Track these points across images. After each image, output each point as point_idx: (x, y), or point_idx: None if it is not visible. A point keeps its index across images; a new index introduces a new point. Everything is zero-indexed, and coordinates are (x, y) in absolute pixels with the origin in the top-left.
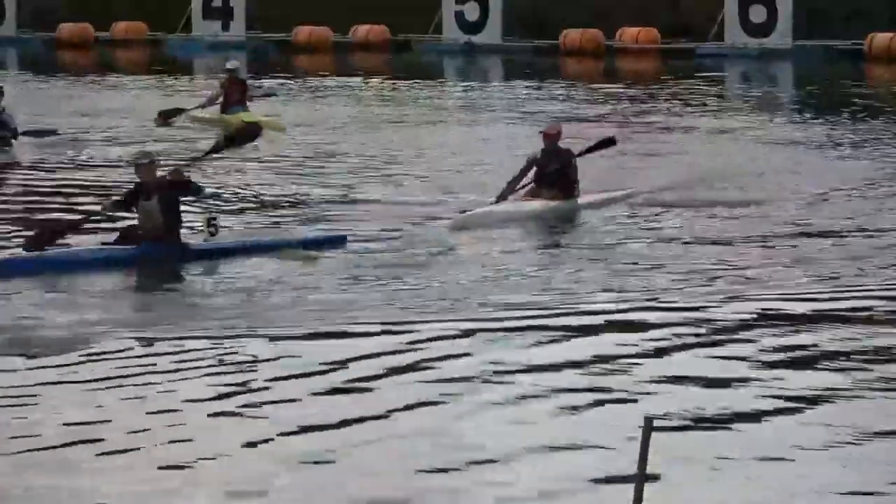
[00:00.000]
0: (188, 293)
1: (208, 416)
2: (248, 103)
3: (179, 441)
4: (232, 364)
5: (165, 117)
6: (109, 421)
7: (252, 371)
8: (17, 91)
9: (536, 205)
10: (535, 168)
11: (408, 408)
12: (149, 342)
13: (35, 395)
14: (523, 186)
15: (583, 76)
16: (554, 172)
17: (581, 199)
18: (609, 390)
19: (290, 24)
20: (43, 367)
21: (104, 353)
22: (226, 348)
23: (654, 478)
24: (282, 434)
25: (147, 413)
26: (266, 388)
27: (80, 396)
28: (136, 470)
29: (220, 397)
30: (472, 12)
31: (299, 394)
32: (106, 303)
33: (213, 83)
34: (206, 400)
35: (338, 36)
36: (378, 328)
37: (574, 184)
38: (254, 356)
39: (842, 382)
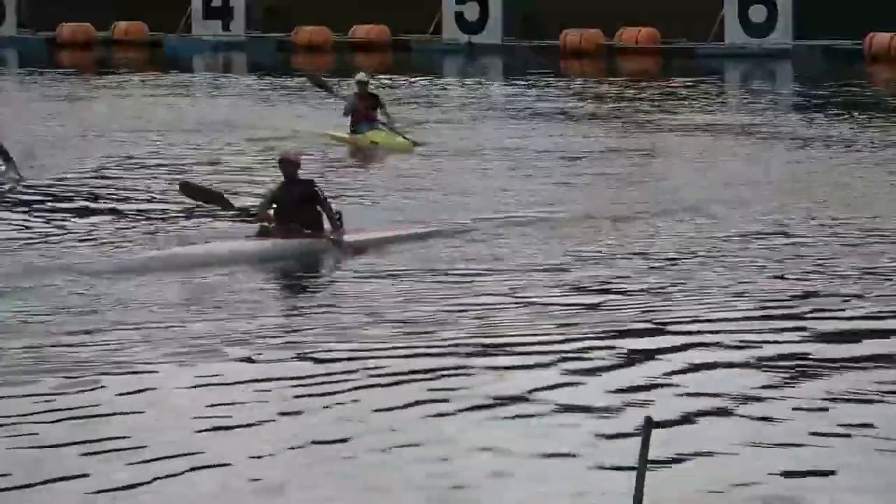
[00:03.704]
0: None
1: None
2: (378, 119)
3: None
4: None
5: (314, 82)
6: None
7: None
8: (16, 92)
9: (264, 244)
10: (273, 202)
11: (409, 411)
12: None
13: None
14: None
15: (583, 76)
16: (295, 206)
17: (336, 237)
18: (608, 390)
19: (291, 23)
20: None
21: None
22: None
23: (655, 478)
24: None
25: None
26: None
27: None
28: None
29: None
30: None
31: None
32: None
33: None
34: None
35: (338, 36)
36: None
37: (320, 220)
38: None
39: (843, 384)
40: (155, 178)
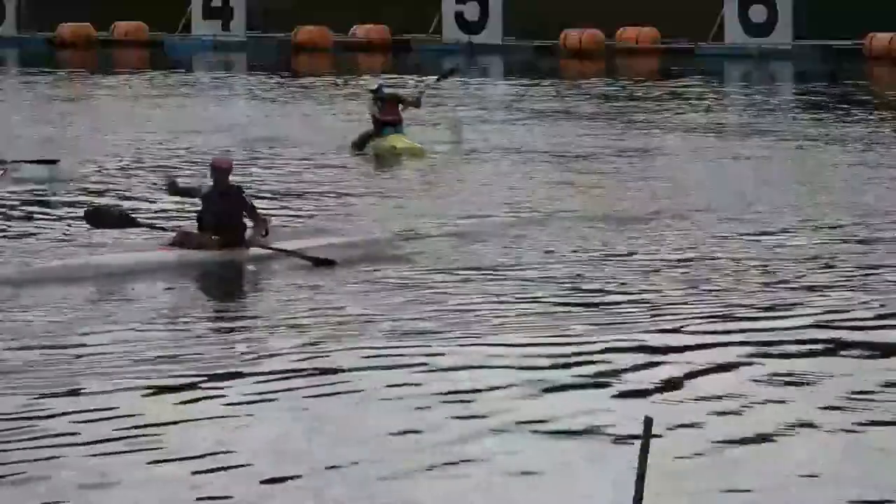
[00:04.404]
0: None
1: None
2: (403, 123)
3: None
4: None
5: (357, 148)
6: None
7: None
8: (16, 93)
9: (176, 256)
10: (201, 207)
11: (405, 415)
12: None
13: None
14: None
15: (583, 76)
16: (222, 213)
17: (252, 251)
18: (609, 391)
19: (291, 23)
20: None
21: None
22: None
23: (655, 478)
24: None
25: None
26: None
27: None
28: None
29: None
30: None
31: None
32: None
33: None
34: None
35: (338, 36)
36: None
37: (243, 231)
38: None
39: (843, 386)
40: (154, 179)
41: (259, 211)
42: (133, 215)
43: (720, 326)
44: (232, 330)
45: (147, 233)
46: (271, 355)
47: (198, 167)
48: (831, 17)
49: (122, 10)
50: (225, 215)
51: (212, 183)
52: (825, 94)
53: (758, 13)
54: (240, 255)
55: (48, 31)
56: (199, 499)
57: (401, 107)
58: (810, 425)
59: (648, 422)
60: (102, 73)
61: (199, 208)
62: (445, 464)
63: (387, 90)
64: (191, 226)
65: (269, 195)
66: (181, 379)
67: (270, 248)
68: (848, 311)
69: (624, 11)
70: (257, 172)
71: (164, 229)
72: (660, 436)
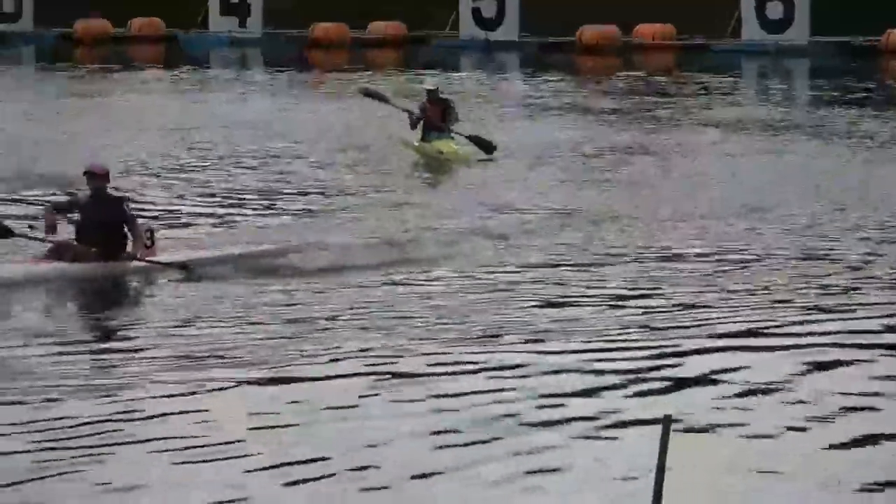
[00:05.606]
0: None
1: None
2: (452, 128)
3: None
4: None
5: (367, 94)
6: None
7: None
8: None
9: (56, 269)
10: (78, 216)
11: (410, 413)
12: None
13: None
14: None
15: (599, 73)
16: (100, 225)
17: (135, 263)
18: (628, 388)
19: (308, 20)
20: None
21: None
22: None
23: (673, 475)
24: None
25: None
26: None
27: None
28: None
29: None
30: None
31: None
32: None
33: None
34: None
35: (355, 32)
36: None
37: (125, 241)
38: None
39: (855, 387)
40: (164, 178)
41: (140, 222)
42: (7, 224)
43: (742, 324)
44: (105, 346)
45: (23, 244)
46: (158, 371)
47: (211, 164)
48: (848, 13)
49: (138, 6)
50: (103, 225)
51: (89, 192)
52: (843, 90)
53: (774, 10)
54: (119, 268)
55: (64, 27)
56: None
57: (448, 116)
58: (827, 424)
59: (668, 419)
60: (118, 69)
61: (77, 218)
62: (466, 462)
63: (440, 94)
64: (69, 238)
65: (279, 192)
66: (52, 395)
67: (147, 262)
68: (872, 312)
69: (640, 8)
70: (270, 169)
71: (42, 240)
72: (679, 420)
